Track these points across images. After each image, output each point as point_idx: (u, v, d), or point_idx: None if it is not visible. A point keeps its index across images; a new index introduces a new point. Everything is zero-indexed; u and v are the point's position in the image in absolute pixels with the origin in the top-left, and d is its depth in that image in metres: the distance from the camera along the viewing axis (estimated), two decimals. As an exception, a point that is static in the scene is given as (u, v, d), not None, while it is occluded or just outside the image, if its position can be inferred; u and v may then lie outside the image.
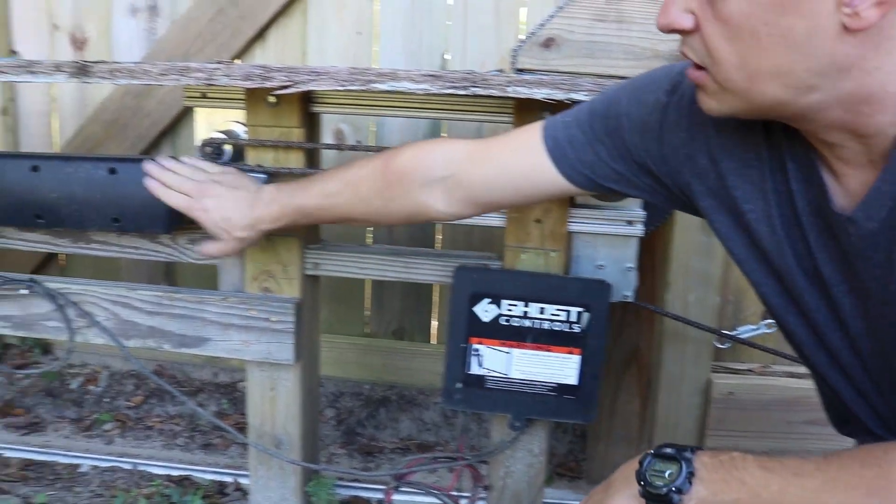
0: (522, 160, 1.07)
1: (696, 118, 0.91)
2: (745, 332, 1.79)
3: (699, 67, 0.80)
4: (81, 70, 1.25)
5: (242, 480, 1.84)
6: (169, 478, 1.87)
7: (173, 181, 1.31)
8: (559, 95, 1.17)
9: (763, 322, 1.80)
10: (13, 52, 2.30)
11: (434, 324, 2.23)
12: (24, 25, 2.29)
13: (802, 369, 1.81)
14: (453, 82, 1.17)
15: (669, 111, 0.96)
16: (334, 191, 1.20)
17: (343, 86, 1.18)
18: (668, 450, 0.88)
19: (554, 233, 1.37)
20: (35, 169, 1.44)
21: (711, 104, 0.81)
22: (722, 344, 1.80)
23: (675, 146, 0.96)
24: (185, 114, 2.19)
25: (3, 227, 1.58)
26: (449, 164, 1.12)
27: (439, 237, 2.16)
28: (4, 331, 1.55)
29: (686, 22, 0.76)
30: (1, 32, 2.28)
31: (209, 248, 1.31)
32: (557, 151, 1.04)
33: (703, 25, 0.76)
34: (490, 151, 1.11)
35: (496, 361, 1.38)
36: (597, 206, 1.37)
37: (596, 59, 1.46)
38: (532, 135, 1.06)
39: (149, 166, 1.32)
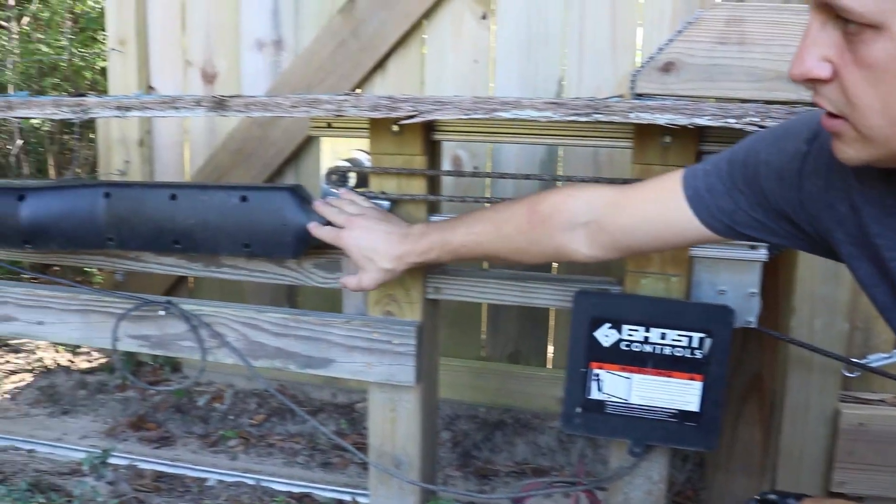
0: (663, 208, 1.07)
1: (836, 166, 0.88)
2: (876, 360, 1.72)
3: (835, 116, 0.77)
4: (219, 104, 1.33)
5: (360, 500, 1.88)
6: (290, 494, 1.92)
7: (325, 211, 1.37)
8: (682, 121, 1.16)
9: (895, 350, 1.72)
10: (151, 88, 2.45)
11: (550, 348, 2.23)
12: (161, 63, 2.44)
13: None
14: (575, 109, 1.18)
15: (809, 159, 0.93)
16: (480, 230, 1.24)
17: (467, 114, 1.21)
18: (772, 496, 0.85)
19: (675, 257, 1.36)
20: (173, 197, 1.52)
21: (849, 153, 0.78)
22: (851, 372, 1.73)
23: (814, 194, 0.93)
24: (308, 143, 2.28)
25: (142, 252, 1.68)
26: (591, 209, 1.14)
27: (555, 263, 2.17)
28: (143, 349, 1.64)
29: (823, 71, 0.73)
30: (141, 70, 2.43)
31: (351, 280, 1.36)
32: (697, 200, 1.04)
33: (841, 73, 0.73)
34: (632, 199, 1.12)
35: (616, 386, 1.38)
36: (719, 231, 1.35)
37: (716, 81, 1.44)
38: (673, 183, 1.06)
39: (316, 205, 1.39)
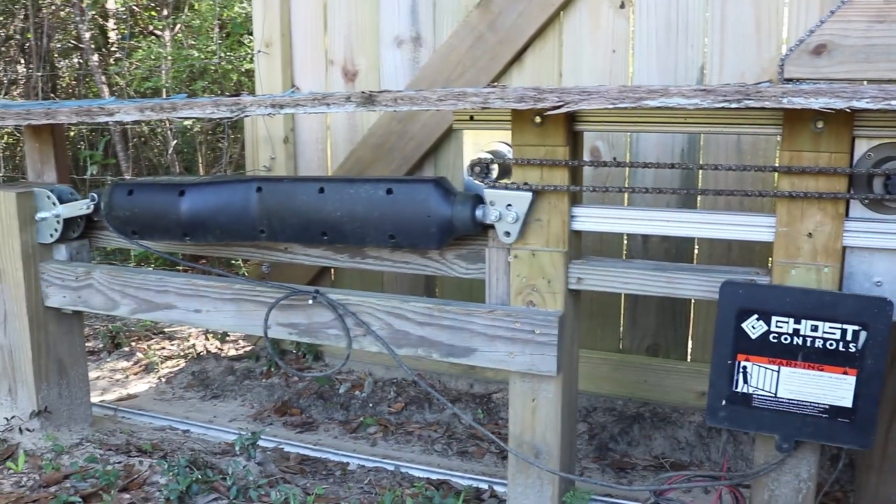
0: None
1: None
2: None
3: None
4: (368, 99, 1.38)
5: (497, 488, 1.90)
6: (429, 481, 1.97)
7: None
8: (839, 104, 1.12)
9: None
10: (295, 87, 2.55)
11: (690, 342, 2.19)
12: (304, 62, 2.54)
13: None
14: (725, 96, 1.16)
15: None
16: None
17: (614, 104, 1.21)
18: None
19: (827, 247, 1.31)
20: (321, 191, 1.59)
21: None
22: None
23: None
24: (446, 136, 2.32)
25: (291, 244, 1.76)
26: None
27: (696, 249, 2.13)
28: (292, 337, 1.72)
29: None
30: (286, 70, 2.54)
31: None
32: None
33: None
34: None
35: (764, 379, 1.34)
36: (874, 220, 1.29)
37: (873, 63, 1.39)
38: None
39: None
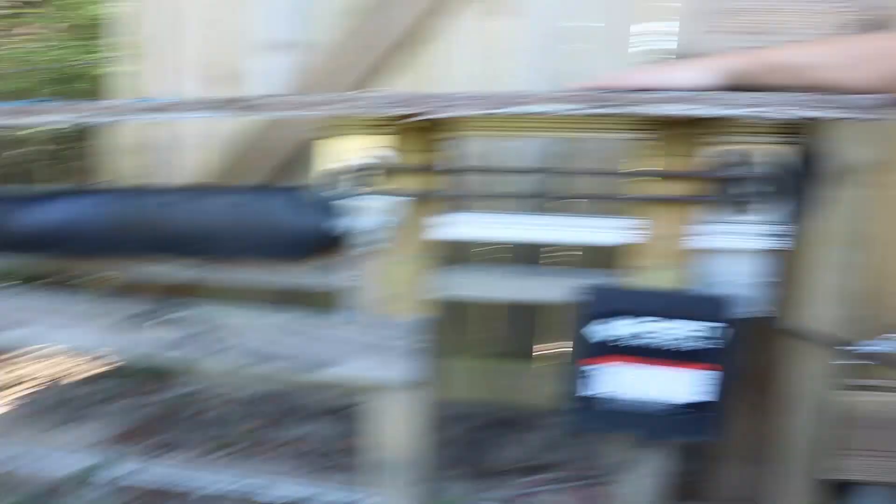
0: None
1: None
2: (877, 346, 1.74)
3: None
4: (230, 106, 1.32)
5: (360, 503, 1.88)
6: (289, 499, 1.91)
7: None
8: (695, 111, 1.17)
9: (896, 337, 1.74)
10: (156, 93, 2.43)
11: (547, 344, 2.24)
12: (167, 67, 2.43)
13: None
14: (592, 102, 1.18)
15: None
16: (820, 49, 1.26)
17: (484, 111, 1.21)
18: None
19: (683, 249, 1.37)
20: (173, 202, 1.52)
21: None
22: (853, 360, 1.75)
23: None
24: (317, 142, 2.26)
25: (143, 258, 1.66)
26: None
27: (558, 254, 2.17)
28: (155, 355, 1.63)
29: None
30: (147, 75, 2.41)
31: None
32: None
33: None
34: None
35: (619, 380, 1.38)
36: (724, 221, 1.36)
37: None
38: None
39: None
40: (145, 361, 2.50)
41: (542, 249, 2.16)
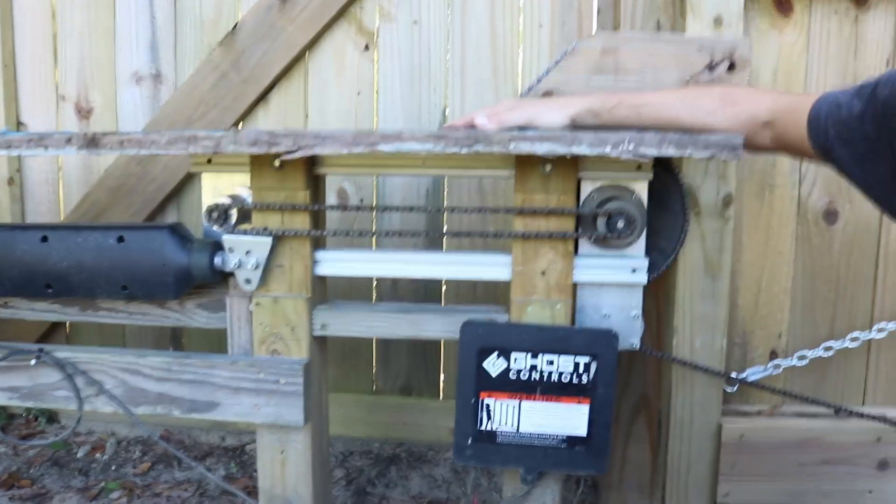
0: None
1: None
2: (753, 374, 1.79)
3: None
4: (91, 142, 1.28)
5: (254, 544, 1.82)
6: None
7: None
8: (561, 150, 1.19)
9: (771, 363, 1.79)
10: (21, 124, 2.34)
11: (442, 378, 2.23)
12: (32, 97, 2.34)
13: (813, 409, 1.82)
14: (456, 141, 1.19)
15: None
16: (669, 98, 1.40)
17: (349, 149, 1.20)
18: None
19: (559, 284, 1.38)
20: (44, 239, 1.46)
21: None
22: (731, 387, 1.80)
23: None
24: (190, 178, 2.22)
25: (11, 298, 1.59)
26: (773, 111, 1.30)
27: (444, 289, 2.17)
28: (12, 402, 1.55)
29: None
30: (10, 105, 2.32)
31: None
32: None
33: None
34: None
35: (506, 415, 1.38)
36: (601, 256, 1.38)
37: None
38: None
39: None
40: (16, 406, 2.40)
41: (443, 285, 2.16)
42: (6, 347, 1.53)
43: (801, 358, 1.81)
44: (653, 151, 1.19)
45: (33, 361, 1.50)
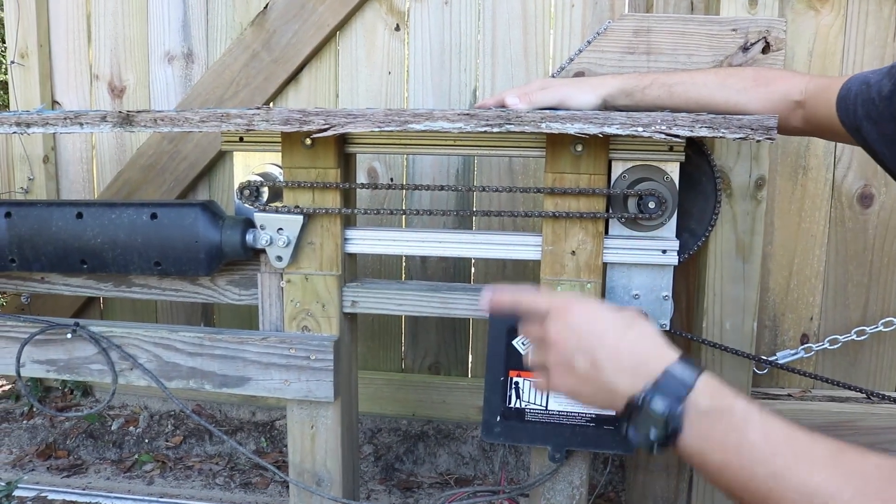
0: None
1: None
2: (784, 357, 1.78)
3: None
4: (126, 119, 1.29)
5: (283, 518, 1.85)
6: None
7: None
8: (592, 130, 1.18)
9: (802, 347, 1.78)
10: (56, 103, 2.37)
11: (470, 358, 2.24)
12: (66, 76, 2.37)
13: (844, 393, 1.80)
14: (487, 120, 1.19)
15: None
16: (701, 78, 1.39)
17: (380, 127, 1.20)
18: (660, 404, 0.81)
19: (589, 264, 1.38)
20: (79, 216, 1.48)
21: None
22: (760, 370, 1.79)
23: None
24: (221, 156, 2.24)
25: (48, 273, 1.62)
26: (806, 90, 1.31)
27: (473, 268, 2.18)
28: (50, 374, 1.58)
29: None
30: (45, 84, 2.35)
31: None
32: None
33: None
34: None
35: (535, 394, 1.39)
36: (631, 237, 1.37)
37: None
38: None
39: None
40: (53, 379, 2.45)
41: (472, 264, 2.17)
42: (43, 321, 1.56)
43: (833, 342, 1.80)
44: (685, 132, 1.18)
45: (69, 335, 1.53)
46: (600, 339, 0.89)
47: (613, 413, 1.35)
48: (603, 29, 1.60)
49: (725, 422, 0.78)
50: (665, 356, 0.85)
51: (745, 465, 0.75)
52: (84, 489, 2.02)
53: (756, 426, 0.77)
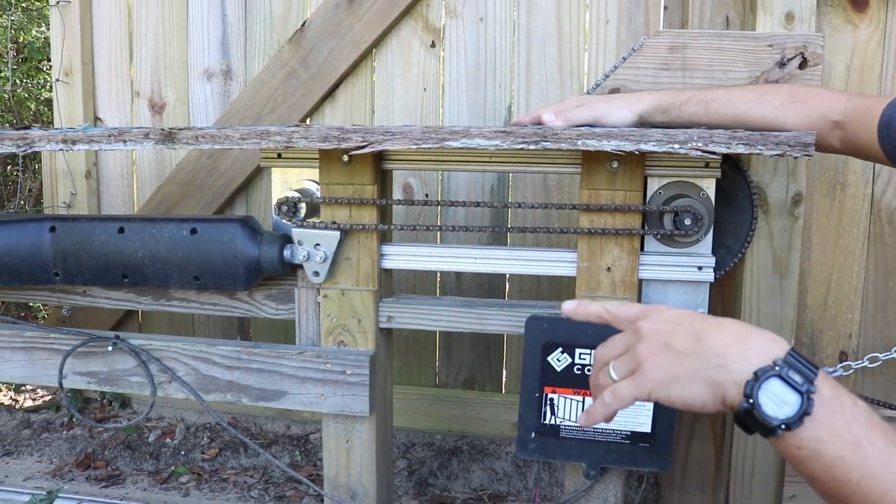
0: None
1: None
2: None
3: None
4: (167, 137, 1.32)
5: (317, 532, 1.86)
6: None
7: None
8: (628, 147, 1.19)
9: (840, 364, 1.76)
10: (98, 119, 2.42)
11: (504, 373, 2.24)
12: (108, 94, 2.42)
13: (884, 412, 1.77)
14: (524, 138, 1.20)
15: None
16: (738, 95, 1.38)
17: (417, 144, 1.22)
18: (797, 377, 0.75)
19: (625, 281, 1.38)
20: (121, 230, 1.51)
21: None
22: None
23: None
24: (259, 172, 2.27)
25: (90, 287, 1.65)
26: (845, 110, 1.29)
27: (507, 286, 2.18)
28: (90, 386, 1.61)
29: None
30: (88, 101, 2.40)
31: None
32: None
33: None
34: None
35: (570, 410, 1.39)
36: (667, 253, 1.37)
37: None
38: None
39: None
40: (93, 391, 2.48)
41: (506, 280, 2.17)
42: (85, 334, 1.59)
43: (873, 360, 1.78)
44: (722, 149, 1.18)
45: (110, 348, 1.56)
46: (701, 318, 0.84)
47: (648, 430, 1.36)
48: (638, 45, 1.60)
49: (848, 413, 0.75)
50: (780, 339, 0.80)
51: (864, 462, 0.73)
52: (122, 500, 2.04)
53: (877, 423, 0.74)
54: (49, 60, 2.59)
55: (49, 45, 2.51)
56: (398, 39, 2.15)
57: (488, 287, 2.17)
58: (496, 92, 2.11)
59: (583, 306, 0.96)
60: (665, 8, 1.99)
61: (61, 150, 1.40)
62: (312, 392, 1.48)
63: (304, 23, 2.16)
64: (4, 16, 3.82)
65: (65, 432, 2.42)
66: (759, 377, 0.75)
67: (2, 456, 2.35)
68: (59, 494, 1.90)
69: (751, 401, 0.75)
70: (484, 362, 2.23)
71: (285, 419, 2.37)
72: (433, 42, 2.13)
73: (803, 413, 0.74)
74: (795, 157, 1.17)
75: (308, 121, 2.23)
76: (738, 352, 0.79)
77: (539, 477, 2.10)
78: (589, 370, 1.36)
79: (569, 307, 0.97)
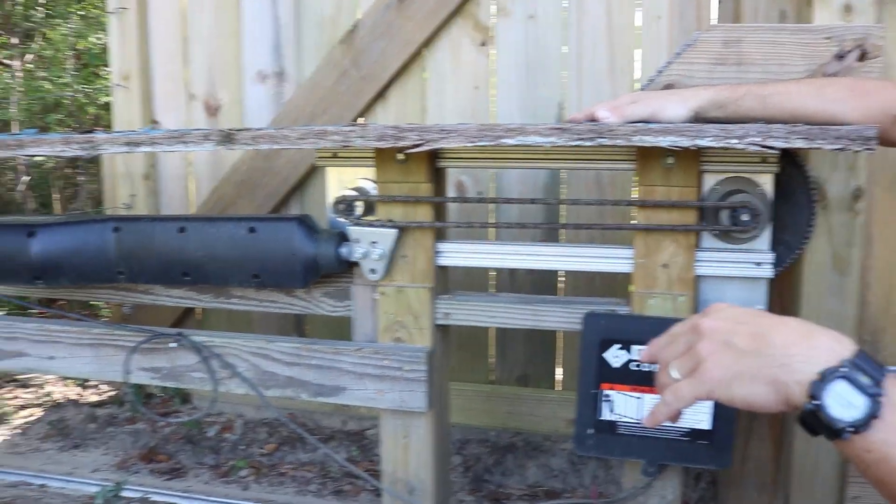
0: None
1: None
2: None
3: None
4: (227, 138, 1.35)
5: (374, 527, 1.88)
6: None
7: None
8: (685, 142, 1.18)
9: (903, 363, 1.73)
10: (154, 122, 2.47)
11: (558, 370, 2.24)
12: (164, 97, 2.47)
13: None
14: (580, 134, 1.20)
15: None
16: (795, 88, 1.35)
17: (473, 142, 1.22)
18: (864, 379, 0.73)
19: (681, 277, 1.37)
20: (182, 230, 1.54)
21: None
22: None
23: None
24: (312, 172, 2.30)
25: (151, 285, 1.69)
26: None
27: (561, 284, 2.18)
28: (154, 382, 1.65)
29: None
30: (145, 104, 2.46)
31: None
32: None
33: None
34: None
35: (628, 407, 1.38)
36: (724, 249, 1.36)
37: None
38: None
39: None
40: (155, 386, 2.54)
41: (559, 277, 2.17)
42: (149, 331, 1.63)
43: (937, 357, 1.74)
44: (781, 144, 1.17)
45: (173, 344, 1.60)
46: (763, 316, 0.82)
47: (707, 428, 1.34)
48: (692, 40, 1.59)
49: None
50: (845, 338, 0.78)
51: None
52: (184, 492, 2.09)
53: None
54: (106, 66, 2.66)
55: (106, 51, 2.58)
56: (449, 38, 2.16)
57: (542, 284, 2.17)
58: (547, 90, 2.11)
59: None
60: (719, 2, 1.97)
61: (125, 152, 1.44)
62: (370, 388, 1.50)
63: (356, 24, 2.18)
64: (65, 24, 3.93)
65: (128, 426, 2.49)
66: (825, 378, 0.73)
67: (70, 448, 2.42)
68: (125, 486, 1.96)
69: (816, 402, 0.73)
70: (538, 359, 2.23)
71: (341, 415, 2.40)
72: (483, 41, 2.14)
73: (871, 416, 0.72)
74: (856, 152, 1.15)
75: (360, 120, 2.25)
76: (803, 351, 0.77)
77: (595, 474, 2.09)
78: (646, 366, 1.36)
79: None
